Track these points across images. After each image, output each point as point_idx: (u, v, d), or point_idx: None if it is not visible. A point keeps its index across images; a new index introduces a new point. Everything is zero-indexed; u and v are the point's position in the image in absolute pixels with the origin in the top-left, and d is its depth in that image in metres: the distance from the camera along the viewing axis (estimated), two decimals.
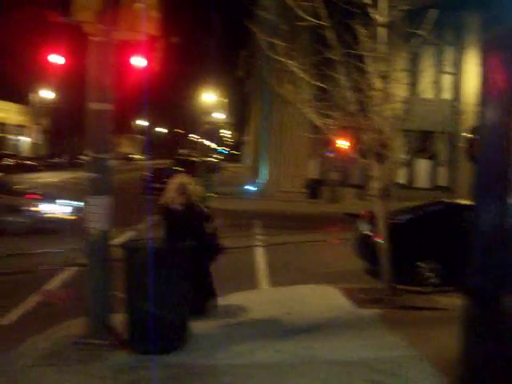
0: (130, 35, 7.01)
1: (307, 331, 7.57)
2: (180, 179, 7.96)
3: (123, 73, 7.94)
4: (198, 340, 6.93)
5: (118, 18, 6.77)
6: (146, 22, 6.78)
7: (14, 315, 8.27)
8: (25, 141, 64.76)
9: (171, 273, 6.50)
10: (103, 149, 6.78)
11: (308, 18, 9.06)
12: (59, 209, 15.93)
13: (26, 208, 15.34)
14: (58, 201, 16.29)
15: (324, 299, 9.30)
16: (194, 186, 7.96)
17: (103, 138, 6.82)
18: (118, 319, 6.82)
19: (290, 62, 9.34)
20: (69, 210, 15.98)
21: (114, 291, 6.88)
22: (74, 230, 13.31)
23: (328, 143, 22.62)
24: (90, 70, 6.77)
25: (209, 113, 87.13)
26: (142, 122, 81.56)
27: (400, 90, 9.58)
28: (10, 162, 50.27)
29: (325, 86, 9.29)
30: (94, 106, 6.74)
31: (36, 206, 15.55)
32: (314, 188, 29.84)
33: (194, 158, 38.11)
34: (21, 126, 63.79)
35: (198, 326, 7.16)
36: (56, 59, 38.87)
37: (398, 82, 9.32)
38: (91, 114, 6.76)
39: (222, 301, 8.47)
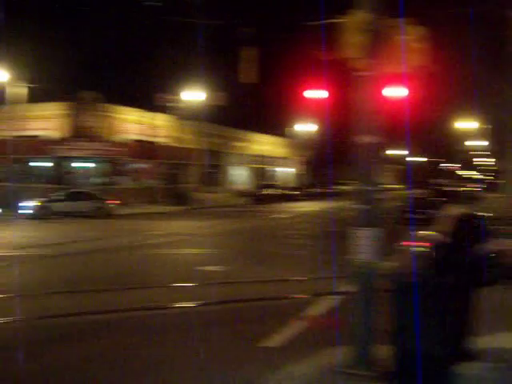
0: (396, 68, 7.05)
1: None
2: (452, 211, 7.61)
3: (385, 104, 8.01)
4: (464, 382, 6.52)
5: (383, 51, 6.87)
6: (412, 53, 6.79)
7: (279, 338, 8.69)
8: (286, 171, 68.55)
9: (440, 307, 6.29)
10: (371, 181, 6.89)
11: None
12: None
13: None
14: None
15: None
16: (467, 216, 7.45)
17: (371, 170, 6.91)
18: (382, 351, 6.75)
19: None
20: None
21: (380, 322, 6.86)
22: None
23: None
24: (357, 104, 6.93)
25: (468, 140, 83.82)
26: (394, 151, 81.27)
27: None
28: (276, 191, 53.66)
29: None
30: (361, 138, 6.87)
31: None
32: None
33: (453, 188, 36.91)
34: (282, 158, 67.67)
35: (461, 367, 6.77)
36: (317, 94, 40.54)
37: None
38: (359, 147, 6.90)
39: (488, 340, 7.86)
